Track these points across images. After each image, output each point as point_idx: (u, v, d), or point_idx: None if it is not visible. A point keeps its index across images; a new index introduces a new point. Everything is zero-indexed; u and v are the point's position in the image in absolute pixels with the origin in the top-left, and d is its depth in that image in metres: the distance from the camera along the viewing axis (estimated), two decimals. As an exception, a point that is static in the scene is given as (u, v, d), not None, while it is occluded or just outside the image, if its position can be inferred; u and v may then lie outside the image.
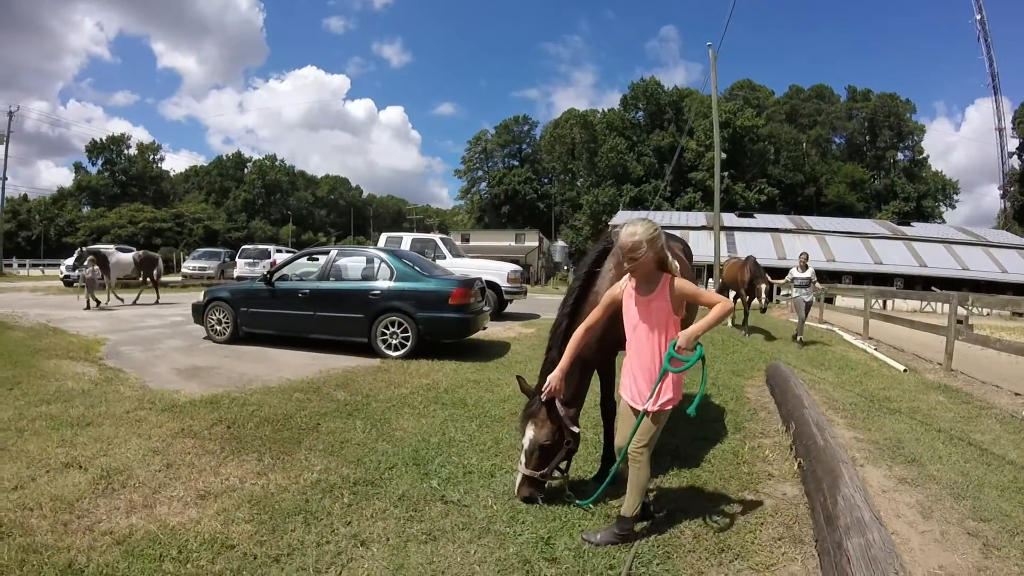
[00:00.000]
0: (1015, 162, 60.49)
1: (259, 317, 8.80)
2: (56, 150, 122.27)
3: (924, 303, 24.46)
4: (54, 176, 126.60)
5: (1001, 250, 39.82)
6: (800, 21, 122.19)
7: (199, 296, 9.56)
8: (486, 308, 9.25)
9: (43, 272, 37.53)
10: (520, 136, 78.59)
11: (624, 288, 3.01)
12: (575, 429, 3.38)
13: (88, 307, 13.46)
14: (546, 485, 3.40)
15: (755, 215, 47.91)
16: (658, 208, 51.85)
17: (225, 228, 71.22)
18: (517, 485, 3.35)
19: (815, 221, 45.64)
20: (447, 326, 8.02)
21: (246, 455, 4.00)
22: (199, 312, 9.26)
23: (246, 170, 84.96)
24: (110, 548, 2.72)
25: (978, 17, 57.03)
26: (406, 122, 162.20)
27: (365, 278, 8.59)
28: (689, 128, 53.15)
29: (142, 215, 63.70)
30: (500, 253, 34.03)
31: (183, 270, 29.52)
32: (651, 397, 2.84)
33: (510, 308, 14.30)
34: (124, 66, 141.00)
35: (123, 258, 15.95)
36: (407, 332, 7.95)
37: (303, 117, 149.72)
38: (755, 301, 12.61)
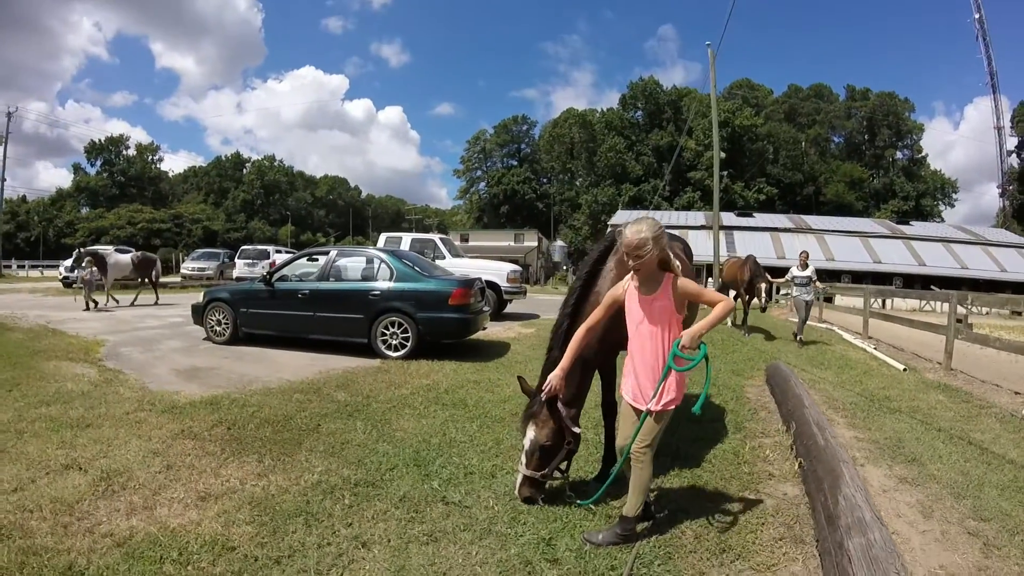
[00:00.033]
0: (1014, 161, 60.59)
1: (259, 318, 8.79)
2: (55, 151, 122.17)
3: (923, 302, 24.47)
4: (53, 177, 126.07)
5: (1000, 249, 39.84)
6: (798, 20, 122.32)
7: (198, 297, 9.55)
8: (486, 308, 9.24)
9: (42, 273, 37.50)
10: (519, 136, 78.59)
11: (626, 288, 3.02)
12: (576, 429, 3.38)
13: (87, 308, 13.44)
14: (547, 486, 3.40)
15: (754, 214, 47.91)
16: (657, 208, 51.85)
17: (224, 229, 71.21)
18: (518, 486, 3.35)
19: (814, 220, 45.65)
20: (447, 326, 8.02)
21: (246, 456, 4.00)
22: (199, 313, 9.25)
23: (245, 170, 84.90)
24: (110, 550, 2.72)
25: (976, 16, 56.99)
26: (405, 122, 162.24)
27: (365, 278, 8.58)
28: (688, 128, 53.12)
29: (141, 216, 63.66)
30: (499, 253, 34.04)
31: (182, 271, 29.53)
32: (654, 396, 2.84)
33: (510, 308, 14.30)
34: (122, 66, 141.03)
35: (121, 259, 15.91)
36: (407, 332, 7.94)
37: (302, 117, 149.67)
38: (755, 300, 12.61)
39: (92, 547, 2.74)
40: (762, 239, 39.97)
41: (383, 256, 8.59)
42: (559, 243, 57.86)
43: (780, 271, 14.02)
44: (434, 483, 3.58)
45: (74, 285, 15.10)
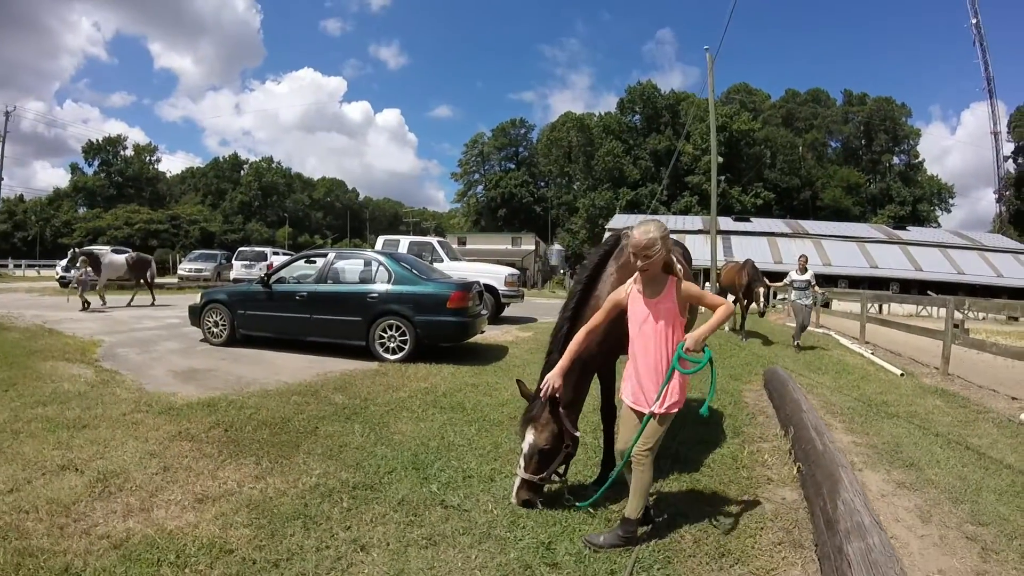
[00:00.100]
0: (1010, 166, 60.87)
1: (256, 320, 8.77)
2: (52, 151, 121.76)
3: (920, 307, 24.52)
4: (50, 177, 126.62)
5: (996, 254, 39.99)
6: (795, 24, 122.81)
7: (195, 298, 9.53)
8: (484, 312, 9.24)
9: (39, 273, 37.35)
10: (516, 139, 78.69)
11: (629, 291, 3.02)
12: (575, 433, 3.38)
13: (84, 308, 13.40)
14: (544, 489, 3.40)
15: (751, 219, 48.00)
16: (655, 212, 51.84)
17: (221, 230, 71.06)
18: (515, 489, 3.34)
19: (811, 225, 45.80)
20: (445, 329, 8.01)
21: (244, 459, 3.99)
22: (196, 314, 9.23)
23: (242, 172, 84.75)
24: (107, 552, 2.70)
25: (974, 21, 57.31)
26: (403, 124, 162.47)
27: (363, 281, 8.57)
28: (686, 132, 53.21)
29: (138, 216, 63.45)
30: (496, 256, 34.12)
31: (179, 272, 29.48)
32: (658, 399, 2.85)
33: (507, 312, 14.31)
34: (121, 67, 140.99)
35: (115, 259, 15.86)
36: (405, 335, 7.93)
37: (300, 119, 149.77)
38: (753, 305, 12.61)
39: (88, 549, 2.72)
40: (759, 244, 40.04)
41: (381, 259, 8.58)
42: (556, 247, 57.94)
43: (777, 275, 14.02)
44: (433, 487, 3.56)
45: (70, 285, 15.02)
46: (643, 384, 2.94)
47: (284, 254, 26.95)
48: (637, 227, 2.90)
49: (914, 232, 45.65)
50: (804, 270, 11.21)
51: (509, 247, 52.11)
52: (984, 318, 23.48)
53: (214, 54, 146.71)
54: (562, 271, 50.30)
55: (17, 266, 42.50)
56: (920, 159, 67.71)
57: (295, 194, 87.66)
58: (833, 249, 39.94)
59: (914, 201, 62.69)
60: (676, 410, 2.92)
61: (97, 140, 77.25)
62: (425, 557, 2.77)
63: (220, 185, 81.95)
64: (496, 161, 78.34)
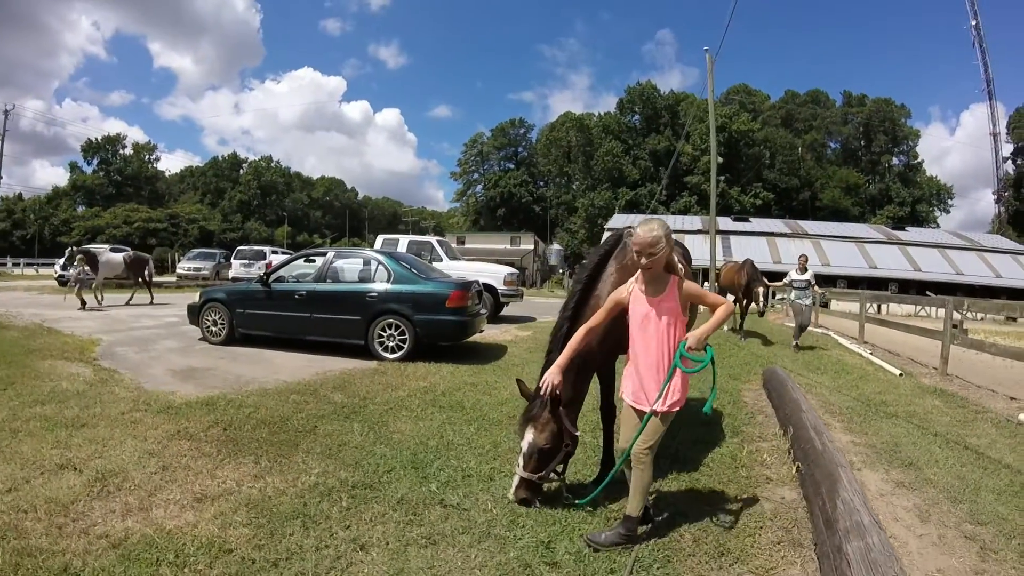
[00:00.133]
0: (1009, 167, 60.99)
1: (255, 319, 8.76)
2: (51, 149, 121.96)
3: (919, 307, 24.55)
4: (49, 175, 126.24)
5: (995, 255, 40.04)
6: (795, 25, 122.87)
7: (194, 297, 9.52)
8: (483, 311, 9.24)
9: (37, 271, 37.30)
10: (516, 139, 78.71)
11: (631, 290, 3.03)
12: (575, 432, 3.38)
13: (82, 307, 13.37)
14: (544, 488, 3.40)
15: (750, 219, 48.04)
16: (654, 212, 51.84)
17: (220, 229, 71.02)
18: (514, 487, 3.34)
19: (810, 225, 45.84)
20: (444, 329, 8.00)
21: (243, 458, 3.98)
22: (195, 313, 9.22)
23: (242, 171, 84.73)
24: (106, 552, 2.70)
25: (973, 23, 57.48)
26: (402, 124, 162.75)
27: (362, 280, 8.57)
28: (685, 132, 53.23)
29: (137, 215, 63.40)
30: (495, 256, 34.11)
31: (178, 271, 29.46)
32: (660, 397, 2.85)
33: (506, 311, 14.30)
34: (120, 65, 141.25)
35: (112, 258, 15.84)
36: (404, 334, 7.92)
37: (299, 118, 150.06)
38: (753, 305, 12.60)
39: (87, 549, 2.72)
40: (758, 244, 40.06)
41: (380, 258, 8.57)
42: (555, 246, 58.01)
43: (776, 275, 14.01)
44: (432, 486, 3.56)
45: (68, 284, 15.00)
46: (644, 383, 2.95)
47: (283, 253, 26.95)
48: (641, 225, 2.91)
49: (913, 233, 45.69)
50: (804, 270, 11.13)
51: (508, 247, 52.09)
52: (982, 318, 23.51)
53: (214, 53, 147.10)
54: (561, 271, 50.32)
55: (16, 265, 42.54)
56: (919, 160, 67.90)
57: (294, 193, 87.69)
58: (832, 249, 39.97)
59: (913, 202, 62.78)
60: (677, 408, 2.93)
61: (96, 139, 77.35)
62: (425, 556, 2.77)
63: (219, 184, 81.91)
64: (495, 161, 78.38)
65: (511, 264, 19.29)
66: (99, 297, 14.72)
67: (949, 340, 8.60)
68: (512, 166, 76.93)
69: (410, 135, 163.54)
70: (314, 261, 9.27)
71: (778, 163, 63.40)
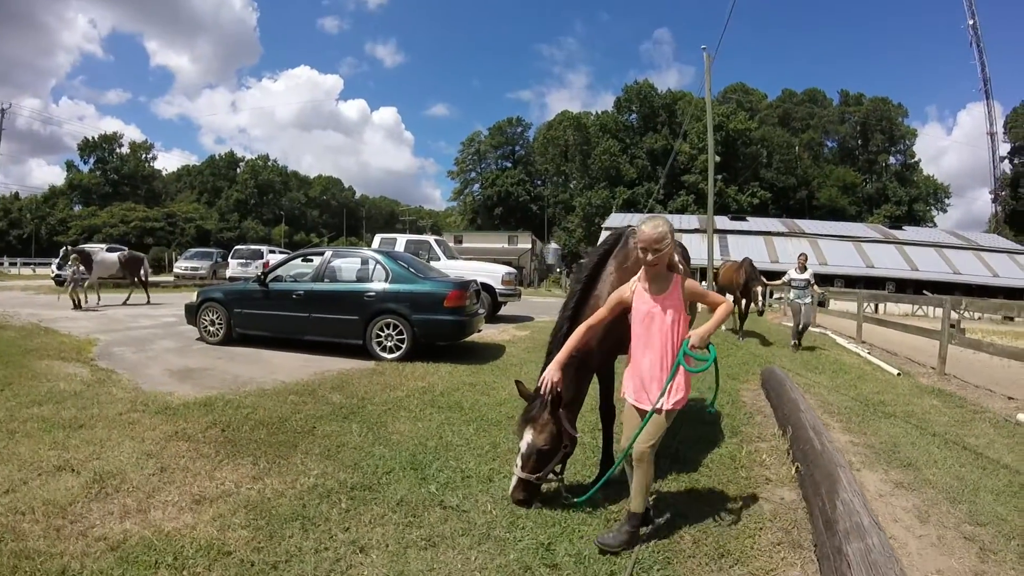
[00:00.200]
0: (1006, 166, 61.17)
1: (253, 318, 8.73)
2: (48, 148, 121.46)
3: (916, 307, 24.60)
4: (46, 174, 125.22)
5: (992, 254, 40.18)
6: (793, 24, 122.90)
7: (192, 297, 9.49)
8: (481, 311, 9.23)
9: (34, 271, 37.24)
10: (513, 138, 78.60)
11: (634, 289, 3.03)
12: (573, 433, 3.38)
13: (77, 307, 13.33)
14: (542, 488, 3.40)
15: (748, 218, 48.15)
16: (651, 211, 51.92)
17: (217, 228, 70.84)
18: (512, 488, 3.34)
19: (807, 224, 45.93)
20: (442, 328, 7.99)
21: (241, 459, 3.96)
22: (192, 313, 9.19)
23: (238, 170, 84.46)
24: (104, 554, 2.69)
25: (970, 22, 57.68)
26: (399, 123, 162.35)
27: (360, 280, 8.55)
28: (683, 131, 53.26)
29: (134, 214, 63.20)
30: (493, 255, 34.08)
31: (175, 270, 29.38)
32: (663, 395, 2.85)
33: (504, 310, 14.29)
34: (117, 64, 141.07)
35: (107, 257, 15.80)
36: (402, 334, 7.91)
37: (296, 117, 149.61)
38: (752, 304, 12.57)
39: (85, 551, 2.70)
40: (756, 243, 40.14)
41: (378, 257, 8.55)
42: (553, 246, 57.98)
43: (774, 275, 14.01)
44: (431, 487, 3.55)
45: (64, 284, 14.95)
46: (647, 381, 2.95)
47: (280, 252, 26.90)
48: (646, 222, 2.92)
49: (910, 232, 45.84)
50: (803, 269, 11.04)
51: (505, 246, 52.06)
52: (980, 318, 23.57)
53: (210, 52, 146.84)
54: (558, 270, 50.31)
55: (12, 264, 42.38)
56: (916, 159, 68.07)
57: (291, 192, 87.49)
58: (829, 248, 40.06)
59: (910, 201, 62.93)
60: (681, 407, 2.93)
61: (93, 137, 76.96)
62: (424, 558, 2.76)
63: (216, 183, 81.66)
64: (493, 160, 78.28)
65: (508, 263, 19.28)
66: (94, 297, 14.68)
67: (947, 340, 8.61)
68: (509, 165, 76.85)
69: (407, 134, 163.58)
70: (312, 260, 9.26)
71: (775, 162, 63.50)
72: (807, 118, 68.97)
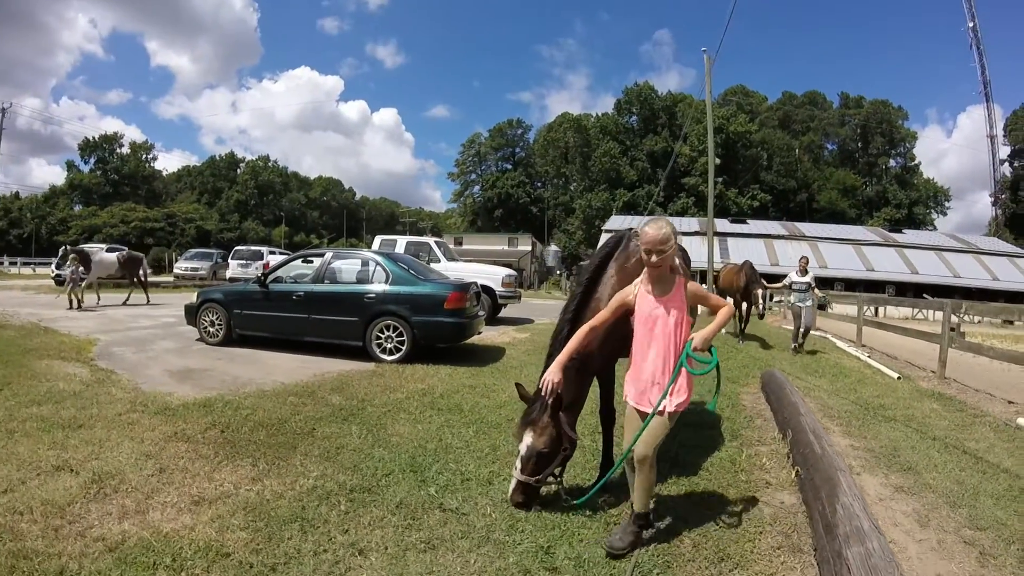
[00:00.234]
0: (1006, 169, 61.24)
1: (253, 319, 8.73)
2: (48, 148, 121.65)
3: (916, 310, 24.60)
4: (46, 174, 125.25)
5: (992, 257, 40.17)
6: (793, 26, 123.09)
7: (191, 297, 9.49)
8: (481, 313, 9.23)
9: (34, 271, 37.23)
10: (513, 140, 78.61)
11: (637, 291, 3.02)
12: (573, 436, 3.38)
13: (75, 307, 13.31)
14: (542, 491, 3.39)
15: (748, 221, 48.14)
16: (651, 213, 51.87)
17: (217, 229, 70.84)
18: (511, 490, 3.33)
19: (807, 227, 45.95)
20: (443, 330, 7.98)
21: (240, 460, 3.96)
22: (192, 313, 9.18)
23: (239, 170, 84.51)
24: (102, 555, 2.68)
25: (971, 25, 57.78)
26: (399, 124, 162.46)
27: (360, 281, 8.55)
28: (683, 134, 53.29)
29: (134, 214, 63.21)
30: (493, 257, 34.12)
31: (175, 271, 29.38)
32: (665, 396, 2.85)
33: (504, 312, 14.30)
34: (117, 64, 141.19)
35: (106, 257, 15.80)
36: (402, 336, 7.91)
37: (296, 118, 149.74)
38: (753, 307, 12.56)
39: (84, 551, 2.70)
40: (756, 246, 40.13)
41: (378, 259, 8.55)
42: (553, 248, 57.94)
43: (774, 278, 13.99)
44: (431, 489, 3.55)
45: (64, 283, 14.95)
46: (648, 384, 2.95)
47: (280, 253, 26.89)
48: (649, 224, 2.92)
49: (910, 235, 45.83)
50: (804, 272, 10.98)
51: (506, 248, 52.09)
52: (980, 321, 23.57)
53: (211, 52, 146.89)
54: (558, 272, 50.26)
55: (12, 264, 42.37)
56: (916, 162, 68.09)
57: (291, 193, 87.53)
58: (829, 251, 40.06)
59: (910, 204, 62.94)
60: (683, 408, 2.94)
61: (93, 137, 77.04)
62: (424, 561, 2.75)
63: (216, 184, 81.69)
64: (493, 161, 78.26)
65: (509, 265, 19.29)
66: (94, 297, 14.66)
67: (947, 343, 8.60)
68: (509, 167, 76.83)
69: (407, 135, 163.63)
70: (312, 262, 9.26)
71: (775, 165, 63.55)
72: (807, 121, 69.03)
